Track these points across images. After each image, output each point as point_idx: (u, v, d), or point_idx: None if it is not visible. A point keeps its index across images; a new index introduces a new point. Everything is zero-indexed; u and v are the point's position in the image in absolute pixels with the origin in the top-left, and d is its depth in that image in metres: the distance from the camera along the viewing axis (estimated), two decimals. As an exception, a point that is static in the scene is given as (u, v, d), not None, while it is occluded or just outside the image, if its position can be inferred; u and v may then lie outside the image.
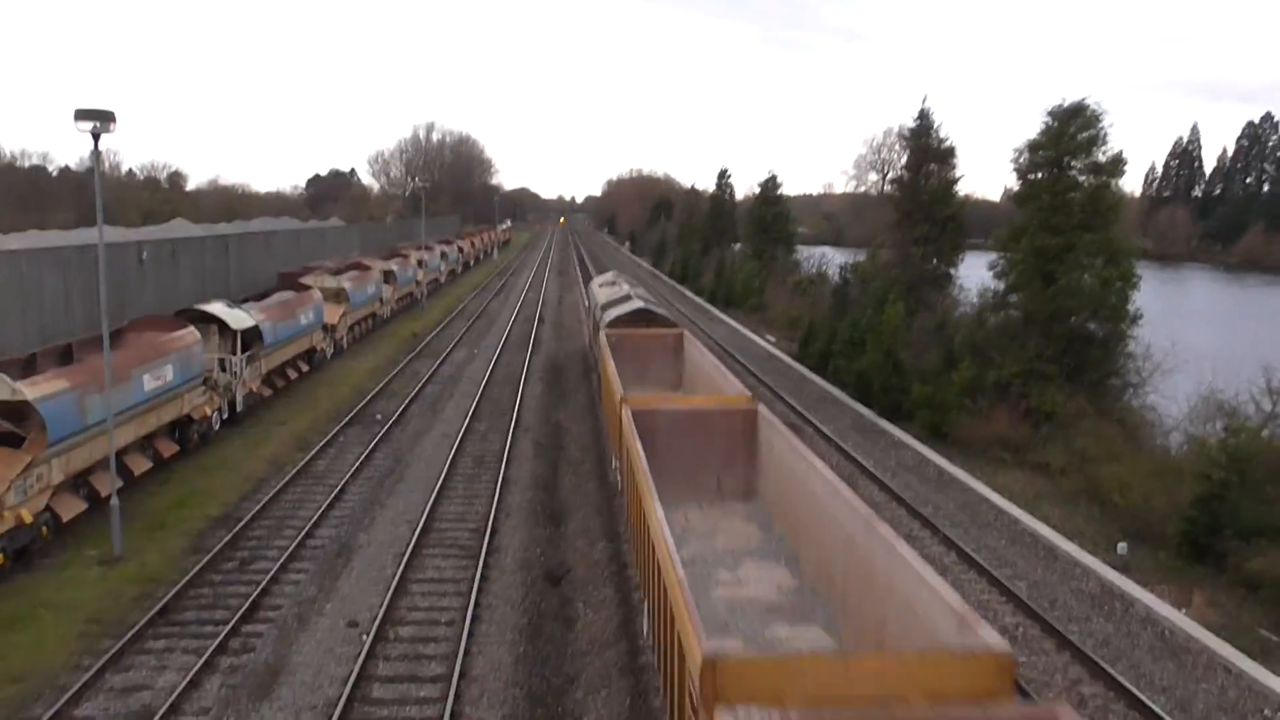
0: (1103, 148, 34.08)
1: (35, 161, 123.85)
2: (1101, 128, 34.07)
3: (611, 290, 44.14)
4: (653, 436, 19.08)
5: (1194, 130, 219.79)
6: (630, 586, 19.19)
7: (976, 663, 8.70)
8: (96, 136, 20.19)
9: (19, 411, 20.63)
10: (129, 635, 17.01)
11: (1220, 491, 22.36)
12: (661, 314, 38.13)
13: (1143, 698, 15.52)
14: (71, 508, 22.18)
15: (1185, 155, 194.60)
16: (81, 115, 19.90)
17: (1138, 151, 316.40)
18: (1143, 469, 26.76)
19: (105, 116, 20.08)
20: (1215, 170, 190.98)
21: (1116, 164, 34.18)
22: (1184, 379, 33.11)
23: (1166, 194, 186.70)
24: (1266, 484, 23.00)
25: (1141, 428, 32.38)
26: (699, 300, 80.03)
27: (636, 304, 38.45)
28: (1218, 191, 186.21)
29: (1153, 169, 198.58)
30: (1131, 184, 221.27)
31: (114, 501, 21.27)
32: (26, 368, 22.83)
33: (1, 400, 20.38)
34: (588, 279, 72.02)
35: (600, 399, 31.91)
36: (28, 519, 20.08)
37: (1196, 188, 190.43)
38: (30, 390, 20.60)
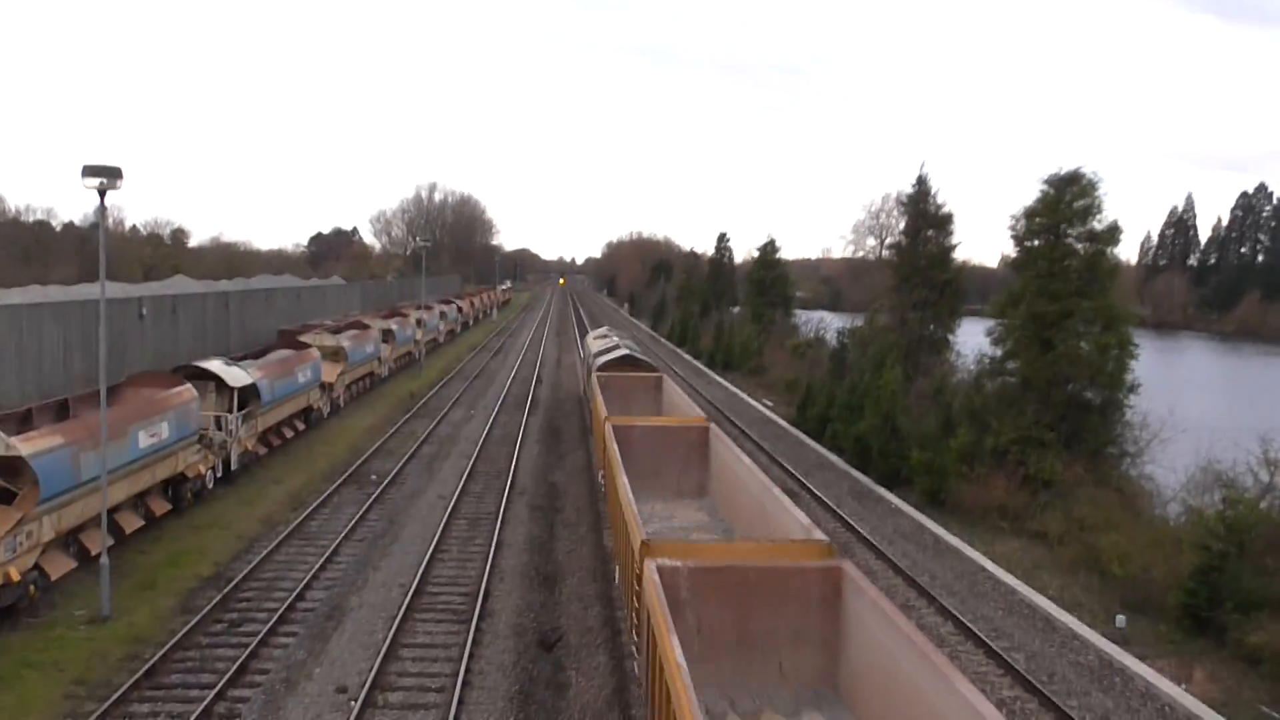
0: (1098, 215, 34.50)
1: (40, 216, 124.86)
2: (1097, 196, 34.52)
3: (603, 342, 51.07)
4: (628, 446, 23.35)
5: (1189, 199, 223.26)
6: (623, 654, 18.95)
7: (807, 546, 14.20)
8: (103, 193, 20.35)
9: (12, 467, 20.53)
10: (114, 698, 16.73)
11: (1219, 563, 22.20)
12: (645, 360, 44.57)
13: (1144, 775, 15.24)
14: (61, 566, 21.95)
15: (1180, 224, 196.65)
16: (89, 171, 20.07)
17: (1133, 219, 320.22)
18: (1141, 539, 26.60)
19: (112, 173, 20.23)
20: (1210, 239, 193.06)
21: (1112, 232, 34.54)
22: (1181, 448, 33.05)
23: (1162, 262, 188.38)
24: (1265, 555, 22.87)
25: (1139, 497, 32.26)
26: (697, 364, 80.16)
27: (623, 351, 45.28)
28: (1213, 260, 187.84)
29: (1148, 237, 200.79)
30: (1127, 251, 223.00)
31: (104, 560, 21.06)
32: (22, 422, 22.79)
33: (-5, 456, 20.27)
34: (584, 336, 76.31)
35: (592, 430, 37.25)
36: (15, 577, 19.87)
37: (1192, 256, 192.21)
38: (24, 446, 20.53)
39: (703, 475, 24.51)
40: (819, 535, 15.08)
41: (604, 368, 41.10)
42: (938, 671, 10.62)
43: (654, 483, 23.59)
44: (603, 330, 63.45)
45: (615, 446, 22.21)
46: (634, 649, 15.40)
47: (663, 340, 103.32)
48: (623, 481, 19.18)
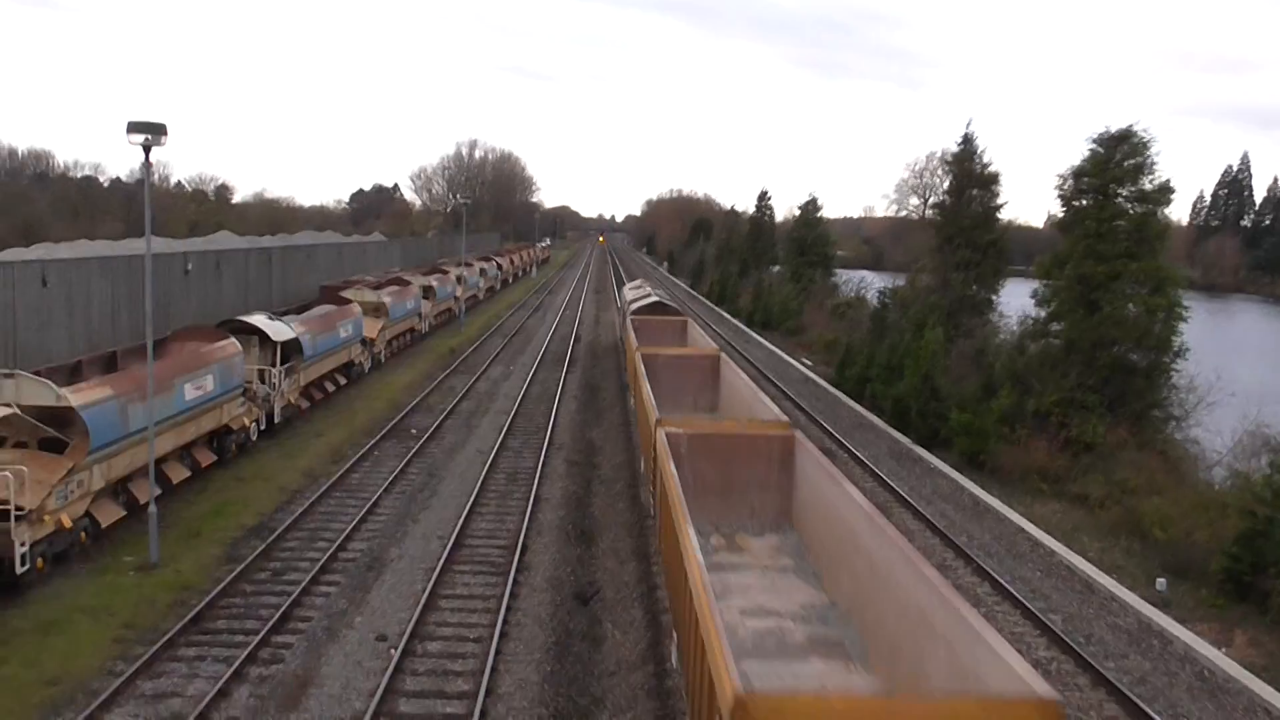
0: (1149, 175, 33.73)
1: (87, 172, 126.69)
2: (1149, 155, 33.73)
3: (637, 292, 60.53)
4: (654, 371, 26.50)
5: (1244, 159, 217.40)
6: (659, 609, 19.11)
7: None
8: (148, 149, 20.51)
9: (63, 418, 20.97)
10: (162, 642, 17.17)
11: (1265, 529, 21.87)
12: (673, 306, 53.10)
13: (1180, 738, 15.17)
14: (110, 514, 22.49)
15: (1234, 184, 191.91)
16: (134, 128, 20.20)
17: (1186, 179, 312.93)
18: (1185, 503, 26.27)
19: (157, 129, 20.35)
20: (1265, 200, 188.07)
21: (1163, 192, 33.80)
22: (1229, 413, 32.51)
23: (1215, 223, 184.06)
24: (1313, 522, 22.47)
25: (1184, 461, 31.82)
26: (736, 322, 79.88)
27: (654, 299, 53.70)
28: (1267, 222, 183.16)
29: (1201, 197, 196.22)
30: (1179, 213, 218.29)
31: (152, 509, 21.54)
32: (72, 374, 23.27)
33: (46, 406, 20.71)
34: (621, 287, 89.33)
35: (625, 368, 42.31)
36: (67, 524, 20.38)
37: (1246, 217, 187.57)
38: (75, 397, 20.95)
39: (714, 395, 29.70)
40: (781, 416, 21.37)
41: (637, 312, 48.64)
42: (859, 507, 14.57)
43: (675, 401, 27.74)
44: (638, 282, 73.46)
45: (643, 369, 26.53)
46: (650, 498, 22.14)
47: (701, 299, 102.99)
48: (646, 390, 24.69)
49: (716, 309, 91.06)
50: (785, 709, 8.16)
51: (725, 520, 18.79)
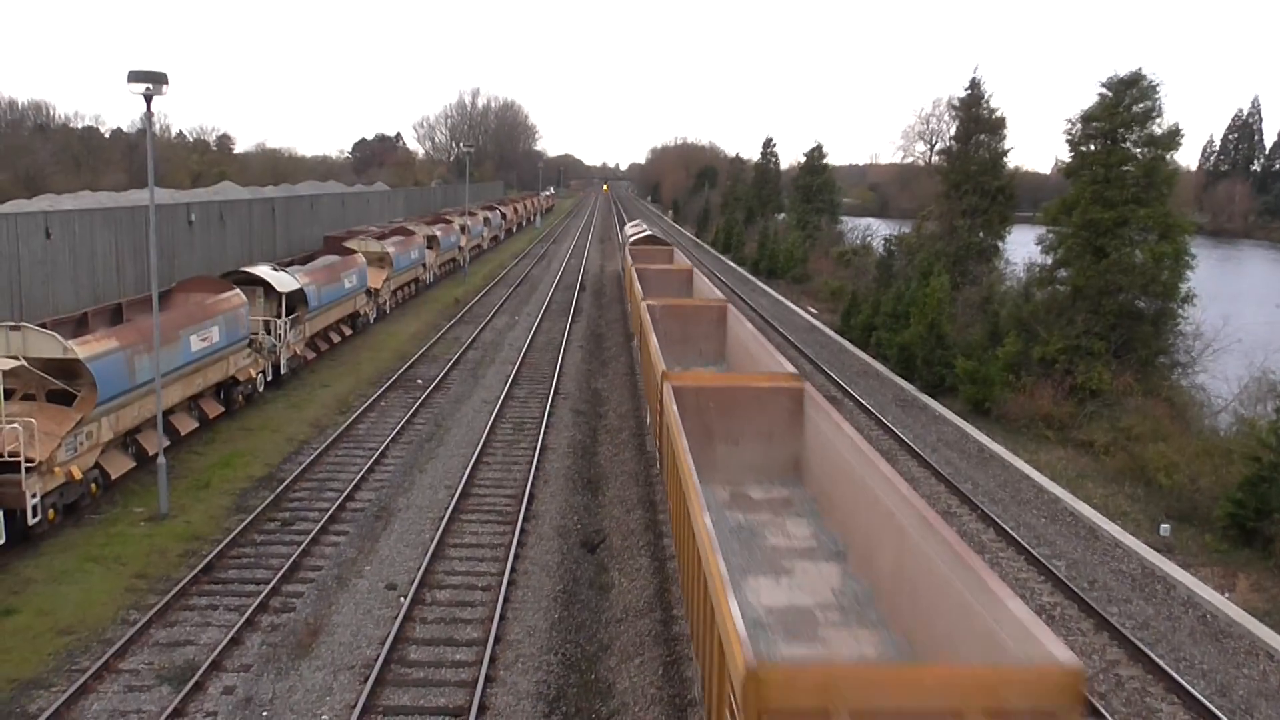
0: (1158, 120, 33.34)
1: (88, 123, 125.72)
2: (1158, 99, 33.30)
3: (635, 228, 72.63)
4: (647, 284, 30.31)
5: (1254, 103, 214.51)
6: (666, 555, 19.26)
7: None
8: (149, 98, 20.32)
9: (70, 370, 21.03)
10: (174, 591, 17.37)
11: (1270, 474, 21.89)
12: (663, 239, 65.39)
13: (1182, 681, 15.34)
14: (120, 465, 22.64)
15: (1244, 129, 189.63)
16: (135, 77, 20.01)
17: (1195, 124, 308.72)
18: (1190, 449, 26.29)
19: (158, 79, 20.16)
20: (1276, 144, 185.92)
21: (1173, 137, 33.39)
22: (1235, 359, 32.43)
23: (1224, 168, 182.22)
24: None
25: (1190, 407, 31.79)
26: (741, 271, 79.56)
27: (648, 233, 67.01)
28: (1277, 166, 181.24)
29: (1210, 142, 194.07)
30: (1188, 158, 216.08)
31: (161, 460, 21.67)
32: (79, 326, 23.29)
33: (54, 358, 20.77)
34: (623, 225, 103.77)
35: (630, 314, 44.33)
36: (78, 475, 20.53)
37: (1256, 162, 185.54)
38: (82, 349, 20.98)
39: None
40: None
41: (635, 243, 60.30)
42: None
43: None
44: (637, 221, 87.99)
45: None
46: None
47: (707, 247, 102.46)
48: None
49: (722, 258, 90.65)
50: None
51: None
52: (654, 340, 23.49)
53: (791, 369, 20.10)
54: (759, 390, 18.86)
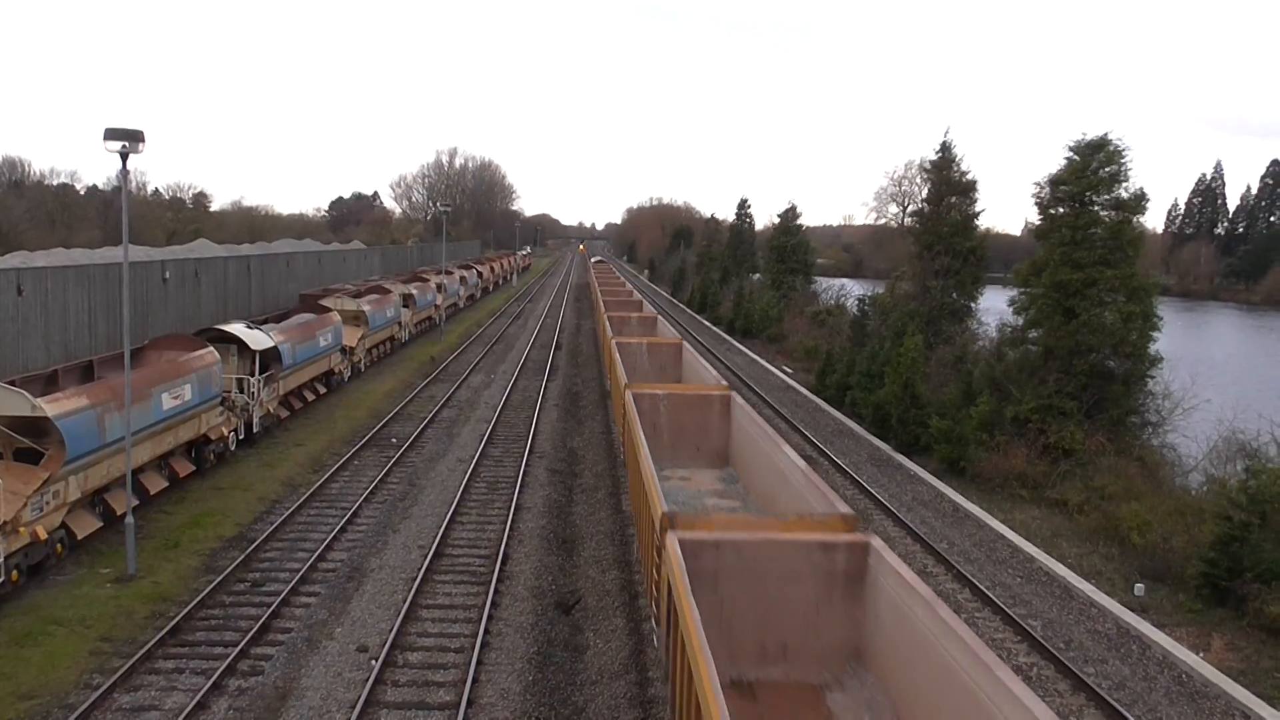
0: (1125, 183, 33.94)
1: (63, 180, 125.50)
2: (1124, 162, 33.95)
3: (595, 259, 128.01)
4: (604, 287, 41.99)
5: (1217, 166, 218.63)
6: (641, 617, 19.09)
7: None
8: (125, 156, 20.40)
9: (39, 428, 20.77)
10: (139, 654, 17.01)
11: (1241, 533, 22.03)
12: (610, 262, 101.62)
13: (1159, 743, 15.25)
14: (86, 525, 22.27)
15: (1208, 192, 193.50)
16: (111, 135, 20.10)
17: (1160, 187, 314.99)
18: (1162, 508, 26.44)
19: (134, 136, 20.26)
20: (1239, 207, 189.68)
21: (1139, 200, 33.99)
22: (1204, 418, 32.77)
23: (1189, 230, 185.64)
24: (1288, 527, 22.64)
25: (1161, 466, 32.01)
26: (716, 330, 79.93)
27: (601, 260, 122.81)
28: (1241, 229, 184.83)
29: (1175, 205, 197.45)
30: (1154, 220, 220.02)
31: (129, 520, 21.34)
32: (48, 384, 23.06)
33: (22, 416, 20.52)
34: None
35: (595, 319, 52.70)
36: (43, 535, 20.18)
37: (1220, 225, 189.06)
38: (51, 407, 20.75)
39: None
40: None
41: (595, 266, 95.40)
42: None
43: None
44: (598, 256, 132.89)
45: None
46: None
47: (682, 307, 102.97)
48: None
49: (698, 317, 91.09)
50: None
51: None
52: (621, 371, 29.12)
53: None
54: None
